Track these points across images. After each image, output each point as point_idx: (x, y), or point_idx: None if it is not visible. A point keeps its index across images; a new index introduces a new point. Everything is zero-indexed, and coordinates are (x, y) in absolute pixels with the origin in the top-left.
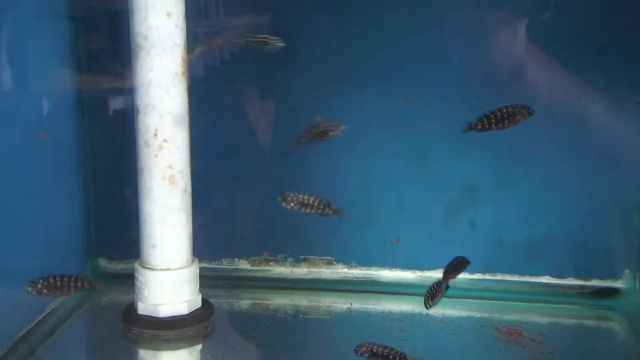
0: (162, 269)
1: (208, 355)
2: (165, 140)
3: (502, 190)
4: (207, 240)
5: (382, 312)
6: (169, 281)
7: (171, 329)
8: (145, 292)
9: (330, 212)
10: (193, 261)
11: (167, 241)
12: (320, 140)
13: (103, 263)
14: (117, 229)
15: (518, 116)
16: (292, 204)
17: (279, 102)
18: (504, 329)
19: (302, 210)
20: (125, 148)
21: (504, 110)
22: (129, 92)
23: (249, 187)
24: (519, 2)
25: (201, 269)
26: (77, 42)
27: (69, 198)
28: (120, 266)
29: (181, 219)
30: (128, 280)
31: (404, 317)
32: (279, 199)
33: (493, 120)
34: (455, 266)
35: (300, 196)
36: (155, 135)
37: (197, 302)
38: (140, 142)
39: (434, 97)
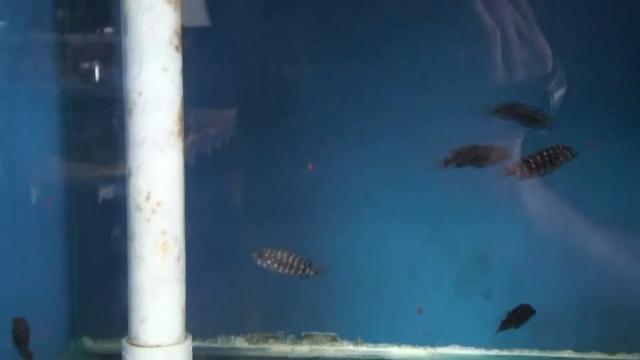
0: (152, 346)
1: None
2: (158, 204)
3: (518, 256)
4: (199, 315)
5: None
6: (160, 358)
7: None
8: None
9: (311, 272)
10: (186, 337)
11: (158, 315)
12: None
13: (87, 342)
14: (103, 304)
15: (561, 158)
16: (268, 262)
17: (280, 157)
18: None
19: (280, 270)
20: (113, 218)
21: (545, 153)
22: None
23: (245, 255)
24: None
25: (194, 348)
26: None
27: (50, 269)
28: (106, 346)
29: (174, 290)
30: None
31: None
32: (255, 255)
33: (533, 165)
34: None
35: (279, 254)
36: (148, 198)
37: None
38: (132, 206)
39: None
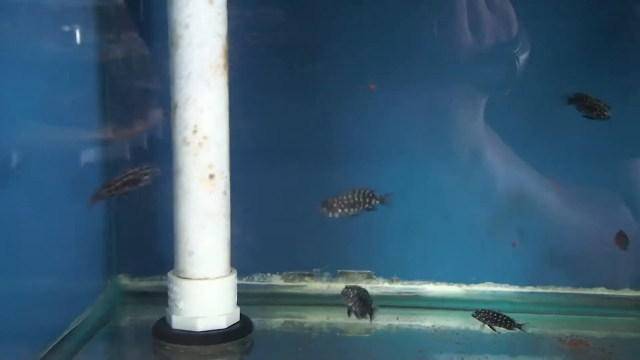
0: (199, 279)
1: None
2: (205, 137)
3: (552, 196)
4: (237, 253)
5: (431, 327)
6: (207, 292)
7: (210, 345)
8: (181, 305)
9: (377, 202)
10: (232, 271)
11: (205, 248)
12: None
13: (124, 281)
14: (140, 243)
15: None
16: (339, 210)
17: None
18: (567, 339)
19: (350, 212)
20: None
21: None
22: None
23: (282, 196)
24: None
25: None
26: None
27: (86, 210)
28: (143, 284)
29: (221, 224)
30: (152, 299)
31: (458, 331)
32: (323, 209)
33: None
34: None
35: (345, 198)
36: (195, 131)
37: (236, 316)
38: (178, 140)
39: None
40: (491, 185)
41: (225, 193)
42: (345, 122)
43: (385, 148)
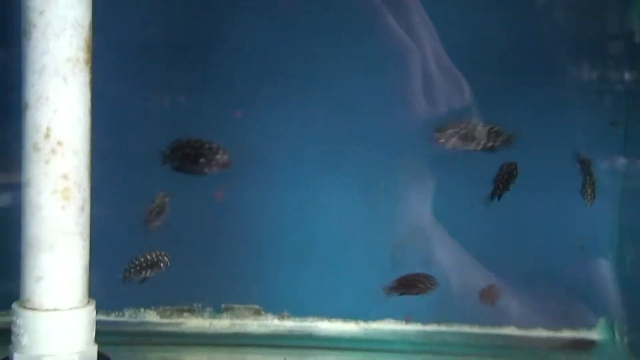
0: (48, 309)
1: None
2: (59, 143)
3: (462, 222)
4: (104, 284)
5: None
6: (56, 325)
7: None
8: (25, 340)
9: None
10: (89, 301)
11: (56, 272)
12: None
13: None
14: None
15: None
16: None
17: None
18: None
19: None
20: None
21: None
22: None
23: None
24: None
25: (98, 322)
26: None
27: None
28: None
29: (76, 244)
30: (4, 338)
31: None
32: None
33: None
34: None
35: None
36: (47, 135)
37: (92, 355)
38: (28, 146)
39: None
40: (397, 212)
41: (82, 209)
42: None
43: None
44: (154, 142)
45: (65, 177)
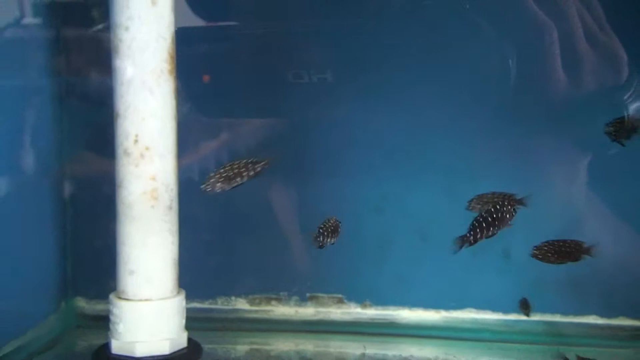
0: (140, 300)
1: None
2: (147, 148)
3: (540, 214)
4: (199, 275)
5: (407, 357)
6: (148, 314)
7: None
8: (121, 328)
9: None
10: (179, 292)
11: (147, 267)
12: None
13: (81, 303)
14: (98, 263)
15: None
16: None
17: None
18: None
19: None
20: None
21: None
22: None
23: (248, 212)
24: None
25: (192, 310)
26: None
27: (40, 225)
28: (101, 307)
29: (165, 240)
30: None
31: None
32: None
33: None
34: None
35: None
36: (136, 141)
37: (182, 341)
38: (119, 151)
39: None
40: None
41: (170, 207)
42: (322, 134)
43: (359, 161)
44: None
45: (153, 178)
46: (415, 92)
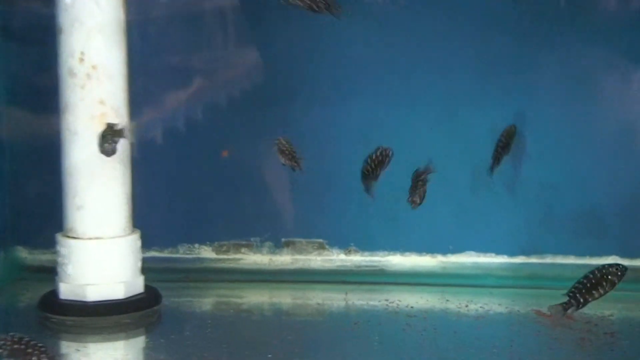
0: (90, 238)
1: (149, 351)
2: (94, 67)
3: (550, 139)
4: (158, 222)
5: (395, 308)
6: (99, 254)
7: (102, 316)
8: (69, 269)
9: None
10: (133, 231)
11: (97, 201)
12: None
13: (22, 253)
14: (40, 209)
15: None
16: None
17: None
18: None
19: None
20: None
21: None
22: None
23: (212, 148)
24: None
25: (152, 260)
26: None
27: None
28: (45, 257)
29: (116, 172)
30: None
31: (426, 314)
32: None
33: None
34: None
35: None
36: (82, 59)
37: (138, 286)
38: (63, 71)
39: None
40: (474, 129)
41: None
42: (302, 62)
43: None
44: None
45: (102, 102)
46: None
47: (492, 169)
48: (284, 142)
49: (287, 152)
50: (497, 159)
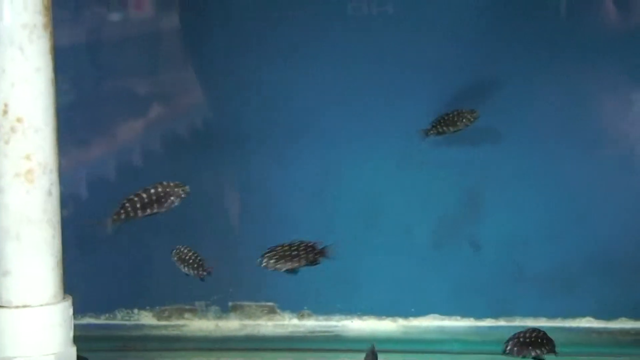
0: (17, 306)
1: None
2: (19, 120)
3: (517, 195)
4: (94, 286)
5: None
6: (27, 323)
7: None
8: None
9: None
10: (64, 297)
11: (24, 265)
12: None
13: None
14: None
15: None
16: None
17: None
18: None
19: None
20: None
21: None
22: None
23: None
24: None
25: (84, 327)
26: None
27: None
28: None
29: (44, 233)
30: None
31: None
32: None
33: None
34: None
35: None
36: (6, 112)
37: (71, 357)
38: None
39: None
40: (435, 184)
41: (50, 193)
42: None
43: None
44: None
45: (27, 157)
46: None
47: (427, 132)
48: (183, 251)
49: (189, 260)
50: (439, 126)
